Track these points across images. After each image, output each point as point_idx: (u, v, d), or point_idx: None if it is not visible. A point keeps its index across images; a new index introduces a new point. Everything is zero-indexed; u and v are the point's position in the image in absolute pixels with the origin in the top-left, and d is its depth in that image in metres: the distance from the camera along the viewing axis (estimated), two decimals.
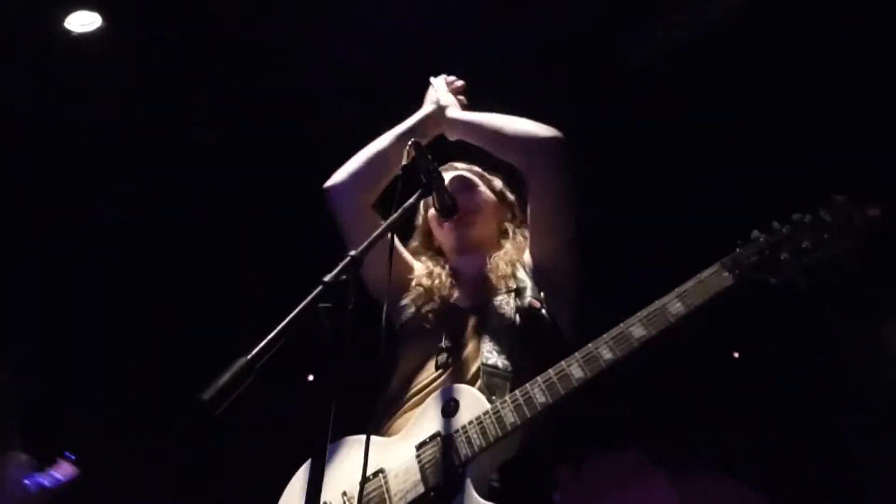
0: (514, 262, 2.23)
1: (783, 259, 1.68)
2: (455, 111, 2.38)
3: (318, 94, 4.69)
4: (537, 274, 2.21)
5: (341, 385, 1.44)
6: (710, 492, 4.17)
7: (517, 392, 1.86)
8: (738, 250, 1.76)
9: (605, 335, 1.83)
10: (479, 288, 2.25)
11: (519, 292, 2.16)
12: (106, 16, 4.21)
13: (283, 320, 1.44)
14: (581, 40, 4.20)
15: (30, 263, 5.13)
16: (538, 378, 1.85)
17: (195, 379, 1.28)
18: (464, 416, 1.88)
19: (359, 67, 4.47)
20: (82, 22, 4.22)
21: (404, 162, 2.02)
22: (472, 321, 2.16)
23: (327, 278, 1.53)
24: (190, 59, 4.43)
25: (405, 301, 2.26)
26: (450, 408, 1.91)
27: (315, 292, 1.50)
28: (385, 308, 1.94)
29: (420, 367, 2.13)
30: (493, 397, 1.92)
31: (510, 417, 1.81)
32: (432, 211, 2.33)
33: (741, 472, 4.06)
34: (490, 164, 2.45)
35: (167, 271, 5.40)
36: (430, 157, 2.06)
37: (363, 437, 1.93)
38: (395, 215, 1.89)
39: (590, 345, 1.83)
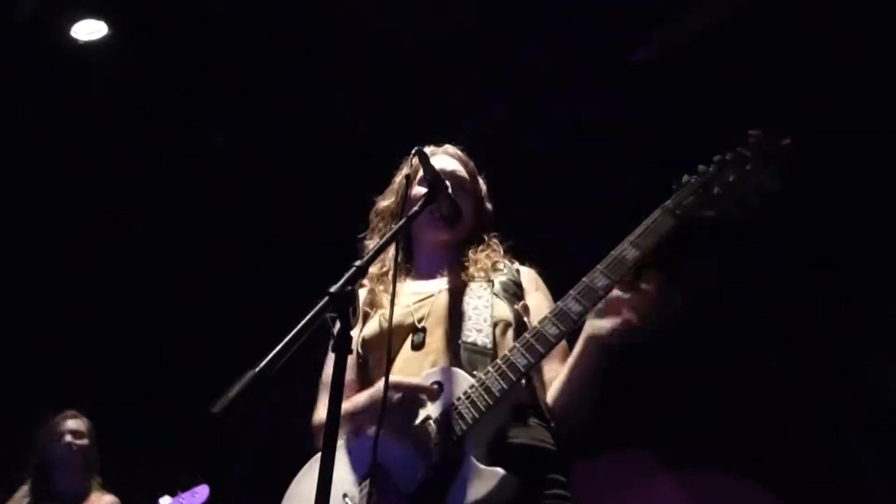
0: (493, 261, 2.25)
1: (716, 194, 1.87)
2: None
3: (321, 97, 4.72)
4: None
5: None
6: (718, 491, 4.18)
7: (498, 361, 1.89)
8: (674, 194, 1.92)
9: (571, 291, 1.90)
10: (450, 273, 2.24)
11: (499, 288, 2.17)
12: (112, 24, 4.25)
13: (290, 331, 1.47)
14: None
15: (32, 267, 5.18)
16: (516, 343, 1.90)
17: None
18: (451, 395, 1.90)
19: (367, 70, 4.49)
20: (88, 30, 4.25)
21: (407, 170, 2.03)
22: (444, 302, 2.13)
23: (333, 289, 1.55)
24: (196, 67, 4.46)
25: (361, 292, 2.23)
26: (434, 389, 1.92)
27: (321, 303, 1.53)
28: (390, 318, 1.98)
29: (400, 355, 2.09)
30: (476, 372, 1.93)
31: (496, 384, 1.85)
32: (419, 189, 2.23)
33: (750, 472, 4.07)
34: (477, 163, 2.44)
35: (170, 273, 5.44)
36: (433, 164, 2.08)
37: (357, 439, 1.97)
38: (400, 223, 1.92)
39: (558, 302, 1.90)
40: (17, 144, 4.75)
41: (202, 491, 3.89)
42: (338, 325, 1.56)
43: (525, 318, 2.10)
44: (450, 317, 2.09)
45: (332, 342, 1.66)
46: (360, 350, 2.15)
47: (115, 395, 5.28)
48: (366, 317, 2.20)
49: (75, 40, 4.27)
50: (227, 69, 4.49)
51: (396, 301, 2.08)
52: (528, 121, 4.57)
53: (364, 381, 2.12)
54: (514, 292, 2.20)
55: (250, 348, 1.49)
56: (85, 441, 3.90)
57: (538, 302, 2.19)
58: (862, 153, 3.83)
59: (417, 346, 2.07)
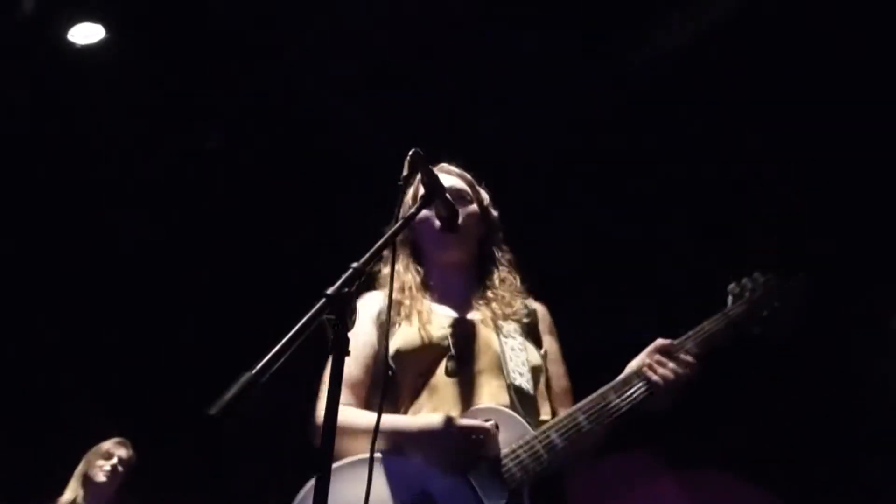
0: (516, 300, 2.27)
1: (765, 315, 2.18)
2: None
3: (322, 100, 4.72)
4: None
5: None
6: (720, 492, 4.18)
7: (563, 417, 1.98)
8: (731, 305, 2.19)
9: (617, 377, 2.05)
10: (475, 302, 2.25)
11: (526, 331, 2.21)
12: (109, 28, 4.24)
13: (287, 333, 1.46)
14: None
15: (31, 267, 5.18)
16: (581, 404, 2.00)
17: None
18: (508, 439, 1.93)
19: (361, 73, 4.49)
20: (85, 34, 4.26)
21: (405, 172, 2.02)
22: (479, 336, 2.14)
23: (331, 291, 1.54)
24: (192, 70, 4.46)
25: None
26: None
27: (319, 305, 1.52)
28: (387, 322, 1.98)
29: (427, 372, 2.10)
30: (528, 419, 1.98)
31: (559, 442, 1.93)
32: (426, 212, 2.21)
33: (751, 473, 4.06)
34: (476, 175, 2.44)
35: (170, 276, 5.43)
36: (430, 167, 2.05)
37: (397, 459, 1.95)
38: (396, 226, 1.89)
39: (619, 377, 2.04)
40: (15, 147, 4.75)
41: None
42: (335, 327, 1.54)
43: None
44: (487, 353, 2.11)
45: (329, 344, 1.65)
46: (392, 362, 2.10)
47: (115, 396, 5.29)
48: (399, 325, 2.16)
49: (73, 44, 4.27)
50: (224, 72, 4.49)
51: (429, 318, 2.13)
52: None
53: (393, 395, 2.08)
54: (536, 336, 2.24)
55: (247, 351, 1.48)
56: (125, 470, 4.15)
57: (552, 347, 2.27)
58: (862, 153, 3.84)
59: (452, 374, 2.07)
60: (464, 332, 2.15)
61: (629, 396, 1.99)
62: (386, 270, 2.24)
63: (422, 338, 2.11)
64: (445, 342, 2.11)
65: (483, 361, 2.11)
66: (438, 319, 2.18)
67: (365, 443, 1.79)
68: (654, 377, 1.99)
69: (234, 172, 5.00)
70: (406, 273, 2.30)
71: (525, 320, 2.24)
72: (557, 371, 2.25)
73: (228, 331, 5.18)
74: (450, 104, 4.45)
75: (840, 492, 3.73)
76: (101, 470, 4.06)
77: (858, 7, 3.67)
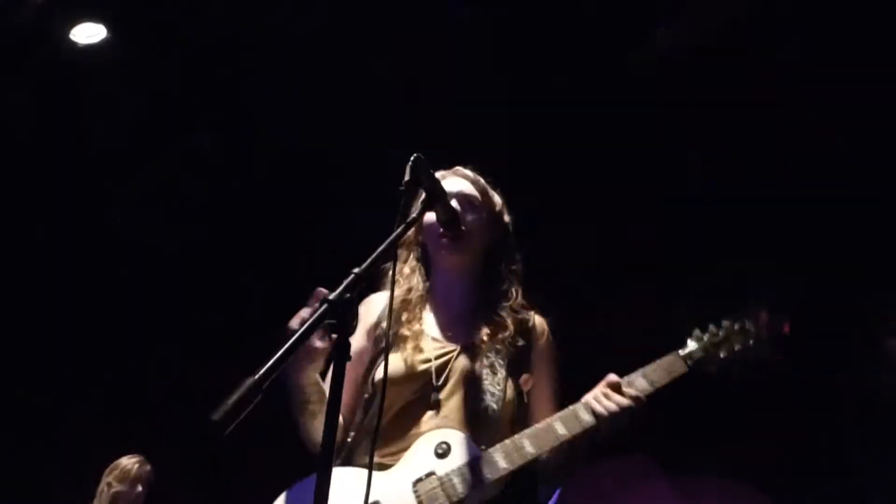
0: (516, 324, 2.28)
1: (722, 357, 2.19)
2: None
3: (321, 101, 4.72)
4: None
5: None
6: (714, 496, 4.19)
7: (508, 441, 2.05)
8: (688, 343, 2.22)
9: (584, 396, 2.10)
10: (468, 323, 2.28)
11: (514, 359, 2.23)
12: (111, 28, 4.25)
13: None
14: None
15: (30, 268, 5.18)
16: (527, 431, 2.07)
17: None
18: (456, 459, 2.03)
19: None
20: (88, 34, 4.27)
21: (406, 177, 2.02)
22: (465, 366, 2.19)
23: (332, 296, 1.55)
24: (194, 69, 4.47)
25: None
26: (442, 449, 2.04)
27: (320, 310, 1.53)
28: (387, 332, 2.00)
29: (408, 399, 2.16)
30: (483, 444, 2.06)
31: (502, 463, 2.01)
32: (431, 216, 2.20)
33: (746, 477, 4.07)
34: (490, 180, 2.44)
35: (171, 278, 5.43)
36: (431, 170, 2.05)
37: (352, 469, 2.06)
38: (397, 231, 1.89)
39: (573, 405, 2.10)
40: (16, 147, 4.75)
41: None
42: (336, 333, 1.55)
43: (525, 390, 2.22)
44: (467, 384, 2.16)
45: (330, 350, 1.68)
46: (371, 386, 2.19)
47: (115, 398, 5.30)
48: (387, 348, 2.15)
49: (75, 43, 4.28)
50: (224, 73, 4.49)
51: (416, 343, 2.19)
52: None
53: (372, 415, 2.14)
54: (524, 363, 2.26)
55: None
56: (146, 489, 4.25)
57: (542, 373, 2.29)
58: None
59: (432, 405, 2.14)
60: (447, 364, 2.19)
61: (576, 425, 2.06)
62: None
63: (405, 371, 2.17)
64: (428, 376, 2.17)
65: (460, 393, 2.16)
66: (427, 347, 2.21)
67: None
68: (599, 408, 2.06)
69: (235, 173, 5.00)
70: (413, 276, 2.33)
71: (519, 343, 2.25)
72: (541, 398, 2.28)
73: (229, 333, 5.19)
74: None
75: (836, 499, 3.74)
76: (131, 496, 4.14)
77: None
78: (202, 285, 5.33)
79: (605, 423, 2.05)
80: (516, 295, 2.32)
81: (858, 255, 3.88)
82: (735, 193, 4.21)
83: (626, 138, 4.33)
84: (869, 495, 3.68)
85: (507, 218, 2.42)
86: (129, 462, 4.23)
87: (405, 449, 2.10)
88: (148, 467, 4.27)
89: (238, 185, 5.04)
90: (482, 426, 2.11)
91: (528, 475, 2.12)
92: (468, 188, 2.36)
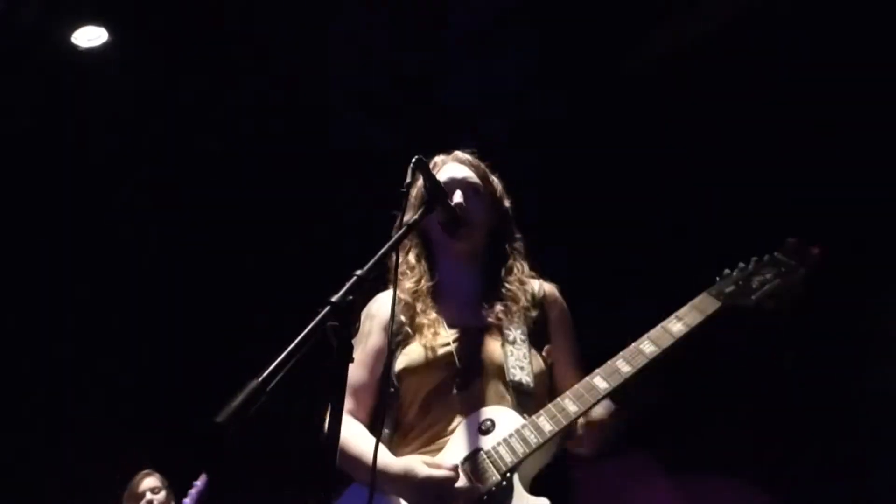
0: (525, 295, 2.30)
1: (754, 287, 2.17)
2: None
3: (323, 105, 4.73)
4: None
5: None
6: (717, 495, 4.19)
7: (550, 405, 2.07)
8: (718, 281, 2.20)
9: (621, 352, 2.11)
10: (482, 302, 2.28)
11: (532, 332, 2.25)
12: (112, 31, 4.26)
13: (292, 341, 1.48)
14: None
15: (30, 268, 5.19)
16: (568, 392, 2.08)
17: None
18: (502, 431, 2.05)
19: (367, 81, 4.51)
20: (89, 37, 4.28)
21: (408, 179, 2.04)
22: (486, 345, 2.20)
23: (335, 298, 1.56)
24: (195, 73, 4.48)
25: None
26: (486, 426, 2.07)
27: (323, 312, 1.54)
28: (391, 328, 2.01)
29: (434, 386, 2.16)
30: (524, 413, 2.08)
31: (547, 426, 2.02)
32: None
33: (749, 476, 4.07)
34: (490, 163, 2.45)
35: (171, 281, 5.44)
36: (432, 172, 2.08)
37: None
38: (399, 233, 1.91)
39: (609, 361, 2.10)
40: (17, 150, 4.76)
41: (201, 480, 4.28)
42: (339, 334, 1.56)
43: (549, 360, 2.26)
44: (492, 363, 2.18)
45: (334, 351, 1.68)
46: (395, 379, 2.18)
47: (115, 399, 5.31)
48: (406, 338, 2.22)
49: (76, 47, 4.29)
50: (227, 75, 4.50)
51: (434, 329, 2.20)
52: None
53: (396, 407, 2.17)
54: (544, 333, 2.29)
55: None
56: (162, 495, 4.32)
57: (561, 339, 2.33)
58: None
59: (459, 388, 2.15)
60: (469, 345, 2.20)
61: (616, 377, 2.07)
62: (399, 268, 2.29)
63: (427, 357, 2.18)
64: (451, 358, 2.17)
65: (487, 371, 2.17)
66: (445, 333, 2.22)
67: (352, 471, 2.06)
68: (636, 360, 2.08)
69: (236, 174, 5.01)
70: (420, 267, 2.35)
71: (533, 315, 2.28)
72: (566, 364, 2.30)
73: (230, 336, 5.19)
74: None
75: (840, 497, 3.74)
76: None
77: None
78: (202, 285, 5.34)
79: (638, 375, 2.06)
80: (522, 268, 2.36)
81: (859, 256, 3.88)
82: (735, 193, 4.21)
83: (625, 138, 4.34)
84: (872, 495, 3.68)
85: (507, 202, 2.45)
86: (135, 479, 4.33)
87: (440, 434, 2.12)
88: (153, 476, 4.34)
89: (239, 185, 5.04)
90: (521, 398, 2.13)
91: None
92: (469, 174, 2.38)
